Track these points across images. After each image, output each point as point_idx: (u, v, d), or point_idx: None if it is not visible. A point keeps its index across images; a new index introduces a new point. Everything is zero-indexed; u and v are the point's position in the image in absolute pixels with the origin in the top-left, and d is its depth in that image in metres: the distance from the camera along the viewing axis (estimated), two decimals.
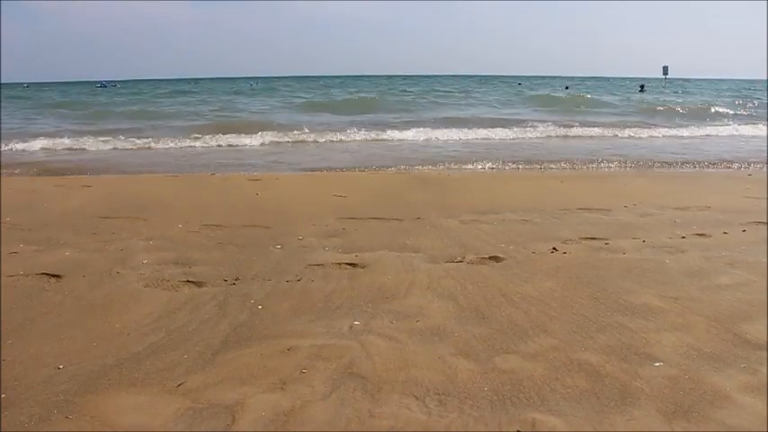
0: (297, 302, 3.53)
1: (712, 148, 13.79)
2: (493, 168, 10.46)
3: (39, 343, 2.98)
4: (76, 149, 13.42)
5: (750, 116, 24.11)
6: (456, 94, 38.72)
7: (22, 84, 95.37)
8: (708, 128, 18.33)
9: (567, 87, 54.95)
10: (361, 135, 15.75)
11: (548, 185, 7.90)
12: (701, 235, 5.05)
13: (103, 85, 70.62)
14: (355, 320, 3.24)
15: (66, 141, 14.14)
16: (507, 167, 10.54)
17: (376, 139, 15.35)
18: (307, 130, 16.07)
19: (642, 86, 51.16)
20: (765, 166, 10.40)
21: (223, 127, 16.51)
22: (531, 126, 17.81)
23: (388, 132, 16.05)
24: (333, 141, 14.99)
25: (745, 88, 58.98)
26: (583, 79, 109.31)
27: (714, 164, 10.94)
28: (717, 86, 66.66)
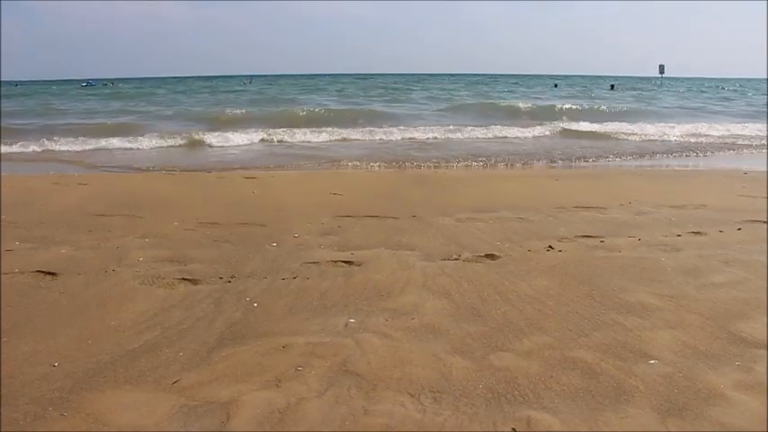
0: (292, 300, 3.52)
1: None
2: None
3: (34, 340, 2.98)
4: None
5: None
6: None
7: (14, 82, 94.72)
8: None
9: (555, 85, 57.05)
10: None
11: (543, 184, 7.91)
12: (696, 233, 5.06)
13: (90, 83, 70.11)
14: (350, 318, 3.24)
15: None
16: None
17: None
18: None
19: (612, 86, 53.11)
20: (765, 166, 10.42)
21: None
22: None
23: None
24: None
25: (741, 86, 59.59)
26: (582, 78, 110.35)
27: None
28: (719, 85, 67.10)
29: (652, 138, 16.15)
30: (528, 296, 3.57)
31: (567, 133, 16.89)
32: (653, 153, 13.07)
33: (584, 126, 18.05)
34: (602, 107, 25.35)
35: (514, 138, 15.91)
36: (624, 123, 19.01)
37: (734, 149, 13.99)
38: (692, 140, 15.55)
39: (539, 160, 11.70)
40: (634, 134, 16.69)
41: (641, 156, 12.71)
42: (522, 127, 17.21)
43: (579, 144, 14.57)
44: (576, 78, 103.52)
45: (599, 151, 13.06)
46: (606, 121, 19.60)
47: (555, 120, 19.50)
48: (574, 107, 24.96)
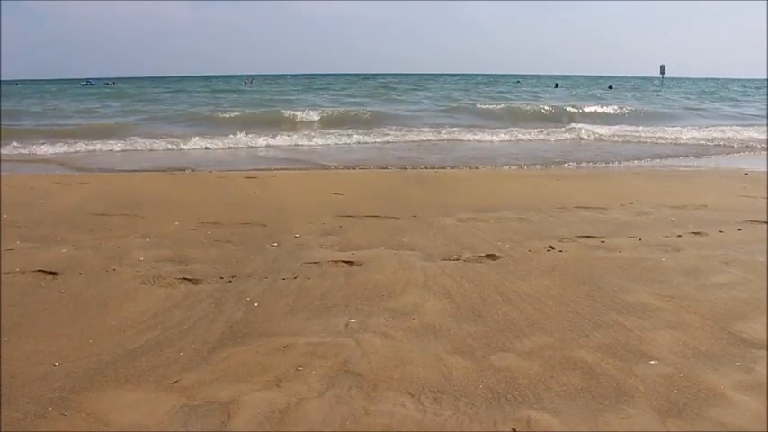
0: (293, 300, 3.53)
1: None
2: None
3: (35, 340, 2.98)
4: None
5: None
6: None
7: (14, 81, 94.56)
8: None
9: (556, 85, 57.70)
10: None
11: (544, 184, 7.91)
12: (697, 234, 5.06)
13: (90, 83, 70.24)
14: (351, 318, 3.25)
15: None
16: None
17: None
18: None
19: (611, 86, 54.28)
20: (766, 167, 10.41)
21: None
22: None
23: None
24: None
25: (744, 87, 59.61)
26: (584, 78, 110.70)
27: None
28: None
29: (685, 141, 15.49)
30: (528, 296, 3.57)
31: (591, 136, 16.21)
32: (704, 155, 12.67)
33: (605, 129, 17.30)
34: (622, 110, 24.63)
35: (538, 140, 15.44)
36: (650, 126, 18.36)
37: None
38: (730, 144, 14.91)
39: (569, 164, 11.22)
40: (660, 137, 16.04)
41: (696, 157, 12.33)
42: (537, 128, 16.80)
43: (616, 150, 13.63)
44: (578, 78, 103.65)
45: (632, 156, 12.40)
46: (622, 124, 19.09)
47: (573, 122, 18.94)
48: (589, 110, 24.27)
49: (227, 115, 21.09)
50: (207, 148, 13.67)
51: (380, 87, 47.05)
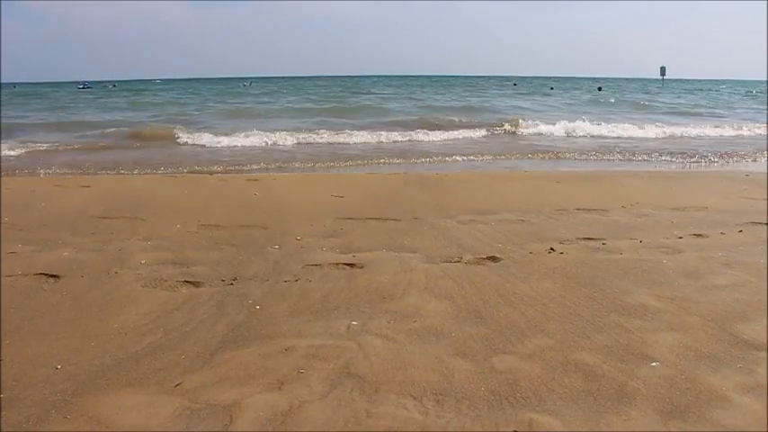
0: (295, 303, 3.53)
1: None
2: None
3: (37, 343, 2.99)
4: None
5: None
6: None
7: (12, 84, 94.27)
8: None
9: (551, 88, 57.90)
10: None
11: (545, 186, 7.91)
12: (697, 235, 5.06)
13: (87, 86, 70.20)
14: (353, 321, 3.25)
15: None
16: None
17: None
18: None
19: (600, 87, 55.47)
20: (766, 167, 10.40)
21: None
22: None
23: None
24: None
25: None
26: (588, 80, 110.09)
27: None
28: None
29: None
30: (530, 298, 3.58)
31: None
32: None
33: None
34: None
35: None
36: None
37: None
38: None
39: None
40: None
41: None
42: None
43: None
44: (582, 80, 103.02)
45: None
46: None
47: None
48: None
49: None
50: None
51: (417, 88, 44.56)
